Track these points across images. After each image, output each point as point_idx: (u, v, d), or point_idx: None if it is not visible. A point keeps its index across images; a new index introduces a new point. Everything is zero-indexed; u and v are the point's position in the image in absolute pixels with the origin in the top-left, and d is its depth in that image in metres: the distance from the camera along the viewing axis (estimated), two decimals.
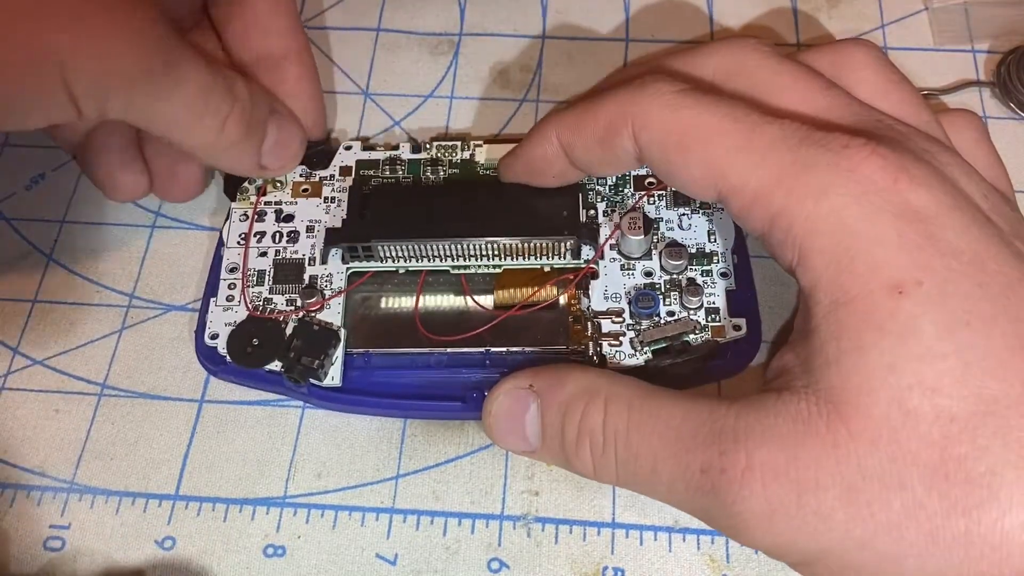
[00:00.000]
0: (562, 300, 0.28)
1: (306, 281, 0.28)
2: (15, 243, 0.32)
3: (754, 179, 0.22)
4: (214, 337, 0.28)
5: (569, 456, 0.24)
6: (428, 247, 0.28)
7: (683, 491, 0.21)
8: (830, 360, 0.20)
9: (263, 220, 0.30)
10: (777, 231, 0.21)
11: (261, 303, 0.28)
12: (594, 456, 0.23)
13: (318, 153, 0.31)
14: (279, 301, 0.28)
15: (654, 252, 0.28)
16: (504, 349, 0.27)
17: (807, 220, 0.21)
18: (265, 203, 0.30)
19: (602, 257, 0.28)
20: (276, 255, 0.29)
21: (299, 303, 0.28)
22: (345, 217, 0.29)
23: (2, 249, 0.32)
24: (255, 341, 0.27)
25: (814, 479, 0.19)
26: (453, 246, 0.28)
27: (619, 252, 0.28)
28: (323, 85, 0.35)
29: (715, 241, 0.29)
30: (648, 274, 0.28)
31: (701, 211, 0.29)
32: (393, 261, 0.28)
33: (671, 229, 0.29)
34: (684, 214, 0.29)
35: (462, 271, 0.29)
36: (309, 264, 0.29)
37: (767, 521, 0.20)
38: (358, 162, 0.31)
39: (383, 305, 0.29)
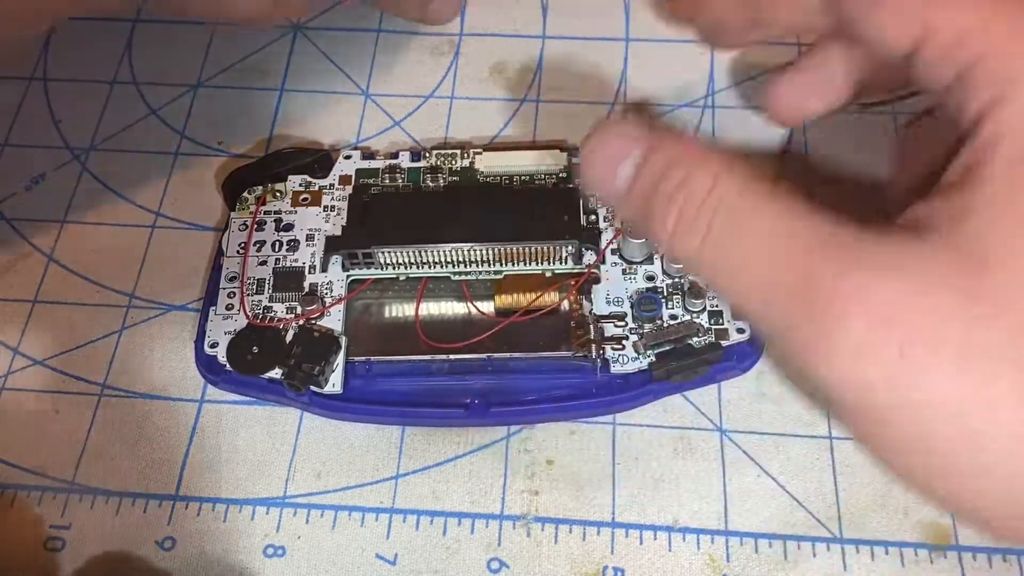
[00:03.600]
0: (564, 305, 0.28)
1: (306, 289, 0.28)
2: (15, 243, 0.32)
3: (958, 20, 0.19)
4: (213, 346, 0.28)
5: (652, 208, 0.21)
6: (429, 253, 0.28)
7: (770, 293, 0.19)
8: (993, 216, 0.18)
9: (262, 229, 0.30)
10: (966, 80, 0.19)
11: (261, 311, 0.28)
12: (682, 219, 0.20)
13: (319, 160, 0.31)
14: (279, 309, 0.28)
15: (655, 256, 0.28)
16: (506, 355, 0.27)
17: (1011, 67, 0.18)
18: (264, 212, 0.30)
19: (603, 261, 0.28)
20: (276, 264, 0.29)
21: (299, 310, 0.28)
22: (345, 224, 0.29)
23: (2, 249, 0.32)
24: (255, 349, 0.27)
25: (928, 331, 0.17)
26: (454, 252, 0.28)
27: (620, 256, 0.29)
28: (323, 86, 0.35)
29: None
30: (650, 278, 0.28)
31: None
32: (394, 268, 0.28)
33: None
34: None
35: (463, 277, 0.29)
36: (309, 272, 0.29)
37: (855, 359, 0.18)
38: (358, 171, 0.31)
39: (384, 313, 0.29)
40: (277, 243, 0.29)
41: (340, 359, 0.27)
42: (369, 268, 0.28)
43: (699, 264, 0.20)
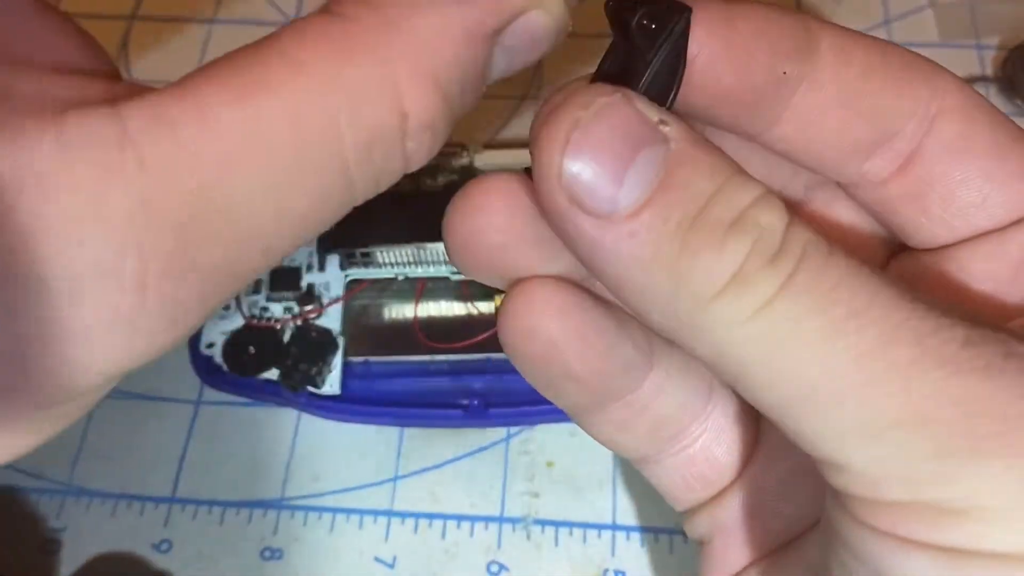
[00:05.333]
0: None
1: (303, 288, 0.28)
2: None
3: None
4: (210, 346, 0.28)
5: (698, 243, 0.13)
6: (428, 252, 0.28)
7: (874, 422, 0.12)
8: None
9: None
10: None
11: (258, 311, 0.28)
12: (753, 259, 0.12)
13: None
14: (276, 309, 0.28)
15: None
16: (506, 355, 0.27)
17: None
18: None
19: None
20: None
21: (296, 310, 0.28)
22: (343, 223, 0.29)
23: None
24: (251, 349, 0.27)
25: None
26: None
27: None
28: None
29: None
30: None
31: None
32: (392, 267, 0.28)
33: None
34: None
35: (462, 277, 0.28)
36: (307, 272, 0.29)
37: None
38: None
39: (382, 313, 0.29)
40: None
41: (338, 359, 0.27)
42: (367, 267, 0.28)
43: (753, 338, 0.13)
